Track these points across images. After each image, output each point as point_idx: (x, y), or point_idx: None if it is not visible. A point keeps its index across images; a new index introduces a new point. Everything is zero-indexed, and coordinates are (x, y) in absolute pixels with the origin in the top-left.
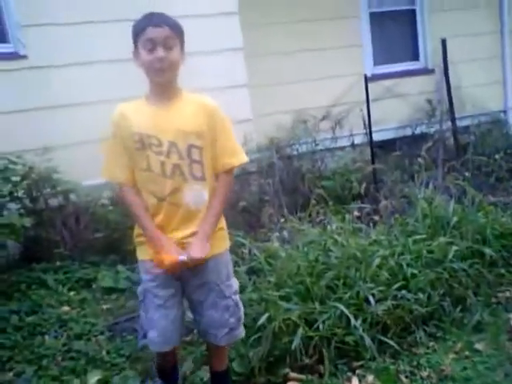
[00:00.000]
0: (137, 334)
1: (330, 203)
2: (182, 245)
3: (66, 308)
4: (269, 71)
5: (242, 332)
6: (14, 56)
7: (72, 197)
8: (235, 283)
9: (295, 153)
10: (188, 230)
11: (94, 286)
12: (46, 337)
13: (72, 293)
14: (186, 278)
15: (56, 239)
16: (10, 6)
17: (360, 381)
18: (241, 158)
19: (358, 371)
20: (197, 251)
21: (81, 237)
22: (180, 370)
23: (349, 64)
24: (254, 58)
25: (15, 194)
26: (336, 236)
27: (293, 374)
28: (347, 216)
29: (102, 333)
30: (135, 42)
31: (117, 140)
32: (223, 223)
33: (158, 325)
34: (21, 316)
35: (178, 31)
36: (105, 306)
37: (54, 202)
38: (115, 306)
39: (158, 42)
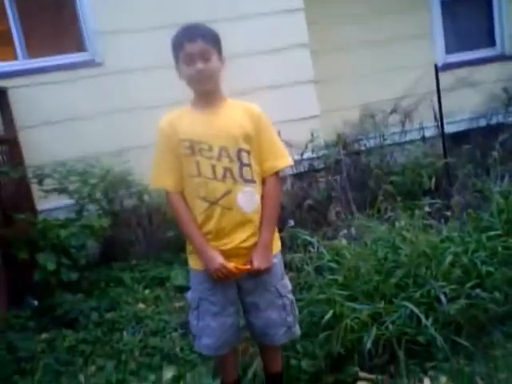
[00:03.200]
0: None
1: (399, 199)
2: (238, 250)
3: (141, 305)
4: (336, 66)
5: (298, 330)
6: (90, 63)
7: (145, 198)
8: (288, 282)
9: (363, 148)
10: (244, 234)
11: (167, 284)
12: (124, 333)
13: (147, 291)
14: (241, 283)
15: (131, 239)
16: (87, 14)
17: (432, 382)
18: (286, 161)
19: (430, 372)
20: (261, 262)
21: (154, 236)
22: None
23: (419, 54)
24: (320, 54)
25: (93, 196)
26: (405, 233)
27: (362, 374)
28: (417, 212)
29: (175, 330)
30: (175, 56)
31: (165, 148)
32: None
33: (216, 332)
34: (100, 312)
35: (213, 41)
36: (177, 304)
37: (128, 204)
38: (187, 304)
39: (195, 55)
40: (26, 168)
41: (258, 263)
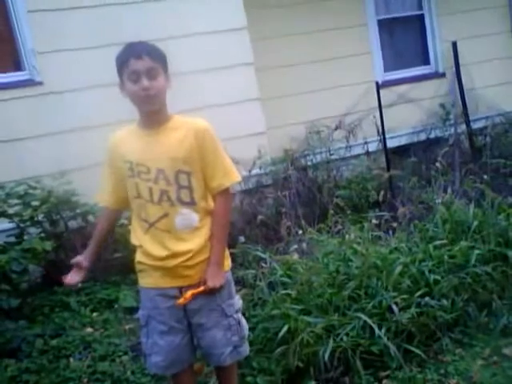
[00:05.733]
0: None
1: (348, 212)
2: (182, 269)
3: (89, 329)
4: (280, 83)
5: (246, 350)
6: (29, 83)
7: (91, 218)
8: (237, 302)
9: (310, 163)
10: (185, 255)
11: (115, 306)
12: (71, 359)
13: (95, 314)
14: (187, 304)
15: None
16: (25, 34)
17: None
18: (232, 178)
19: (384, 381)
20: (215, 280)
21: (101, 258)
22: None
23: (359, 72)
24: (264, 71)
25: (35, 219)
26: (355, 245)
27: None
28: (366, 225)
29: (125, 353)
30: (119, 73)
31: (108, 167)
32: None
33: (163, 350)
34: (45, 339)
35: (160, 59)
36: (127, 326)
37: (73, 225)
38: (137, 325)
39: (141, 72)
40: None
41: (211, 282)
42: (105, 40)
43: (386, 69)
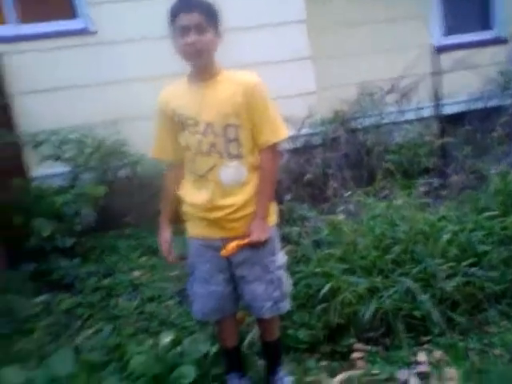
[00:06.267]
0: None
1: (397, 177)
2: (225, 222)
3: (137, 273)
4: (334, 43)
5: (286, 305)
6: (84, 32)
7: (139, 168)
8: (280, 258)
9: (360, 126)
10: (230, 208)
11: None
12: (120, 299)
13: (142, 259)
14: (230, 255)
15: (126, 208)
16: None
17: (427, 355)
18: (280, 134)
19: (425, 346)
20: (259, 233)
21: (149, 206)
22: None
23: (416, 35)
24: (319, 30)
25: (89, 165)
26: (403, 210)
27: (358, 345)
28: (414, 191)
29: (171, 297)
30: (171, 26)
31: (162, 120)
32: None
33: (204, 298)
34: (97, 278)
35: (210, 14)
36: (174, 272)
37: (122, 174)
38: (182, 272)
39: (189, 27)
40: (20, 134)
41: (256, 236)
42: None
43: (445, 33)
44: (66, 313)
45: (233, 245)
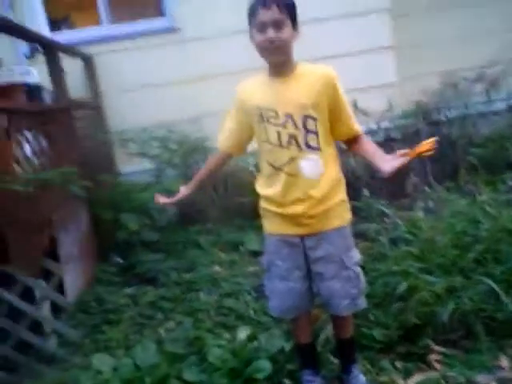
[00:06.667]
0: None
1: (482, 172)
2: (302, 217)
3: (217, 268)
4: (417, 30)
5: (363, 302)
6: (169, 29)
7: None
8: (356, 255)
9: (443, 118)
10: (308, 202)
11: (241, 248)
12: (201, 293)
13: (222, 254)
14: (308, 252)
15: (207, 204)
16: None
17: (510, 361)
18: (359, 128)
19: (507, 350)
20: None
21: (229, 202)
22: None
23: (506, 18)
24: (401, 17)
25: (173, 161)
26: (487, 207)
27: (436, 347)
28: (500, 186)
29: (249, 293)
30: (249, 22)
31: (235, 113)
32: (345, 196)
33: (281, 295)
34: (179, 273)
35: (288, 9)
36: (251, 268)
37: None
38: (260, 268)
39: (268, 23)
40: (111, 132)
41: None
42: None
43: None
44: (150, 305)
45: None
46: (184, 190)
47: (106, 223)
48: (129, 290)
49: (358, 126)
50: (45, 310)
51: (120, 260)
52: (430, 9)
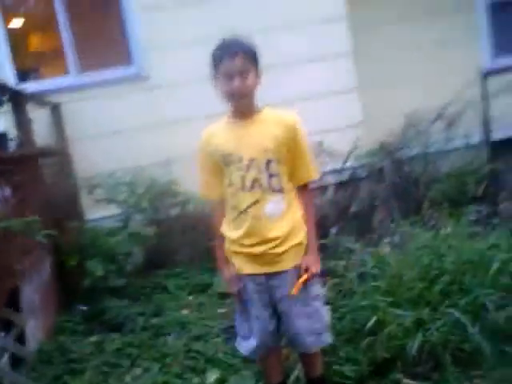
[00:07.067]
0: None
1: (444, 206)
2: (269, 256)
3: (185, 311)
4: (380, 73)
5: (328, 338)
6: (137, 77)
7: (189, 207)
8: (316, 290)
9: (406, 157)
10: (273, 242)
11: (209, 291)
12: (169, 338)
13: (191, 297)
14: (273, 291)
15: (175, 247)
16: (135, 30)
17: None
18: (316, 173)
19: (476, 381)
20: (315, 266)
21: (198, 245)
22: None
23: (464, 59)
24: (364, 61)
25: (140, 206)
26: (451, 240)
27: (406, 380)
28: (463, 219)
29: (218, 335)
30: (214, 69)
31: (205, 160)
32: (305, 236)
33: (250, 334)
34: (146, 318)
35: (252, 57)
36: (220, 310)
37: (173, 213)
38: (229, 310)
39: (234, 72)
40: (77, 178)
41: (315, 268)
42: (208, 35)
43: (494, 56)
44: (116, 352)
45: (299, 282)
46: (229, 274)
47: (71, 270)
48: (94, 338)
49: (315, 173)
50: (3, 363)
51: (84, 308)
52: (390, 53)
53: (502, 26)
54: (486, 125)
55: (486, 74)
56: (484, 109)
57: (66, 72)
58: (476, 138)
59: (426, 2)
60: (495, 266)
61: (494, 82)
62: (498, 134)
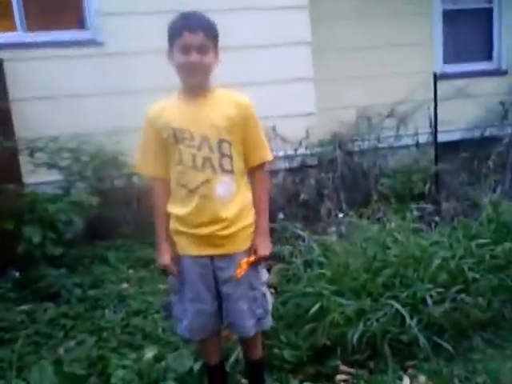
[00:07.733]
0: None
1: (391, 201)
2: (214, 238)
3: (125, 285)
4: (336, 66)
5: (269, 322)
6: (91, 43)
7: (135, 179)
8: (264, 275)
9: (357, 149)
10: (220, 224)
11: (152, 266)
12: (106, 311)
13: (131, 271)
14: (217, 273)
15: (118, 219)
16: None
17: (411, 380)
18: (269, 155)
19: (409, 371)
20: (264, 250)
21: (141, 218)
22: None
23: (418, 61)
24: (321, 52)
25: (83, 174)
26: (396, 234)
27: (343, 367)
28: (408, 215)
29: (157, 311)
30: (170, 41)
31: (150, 136)
32: (253, 220)
33: (190, 316)
34: (84, 289)
35: (213, 34)
36: (161, 286)
37: (118, 184)
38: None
39: (192, 46)
40: (17, 140)
41: (263, 250)
42: (167, 6)
43: (446, 61)
44: (49, 323)
45: (244, 264)
46: (166, 253)
47: (5, 235)
48: (26, 307)
49: (268, 154)
50: None
51: (17, 273)
52: (348, 47)
53: (454, 34)
54: (435, 126)
55: (437, 78)
56: (433, 111)
57: (12, 29)
58: (424, 137)
59: (387, 2)
60: (436, 262)
61: (444, 87)
62: (444, 136)
